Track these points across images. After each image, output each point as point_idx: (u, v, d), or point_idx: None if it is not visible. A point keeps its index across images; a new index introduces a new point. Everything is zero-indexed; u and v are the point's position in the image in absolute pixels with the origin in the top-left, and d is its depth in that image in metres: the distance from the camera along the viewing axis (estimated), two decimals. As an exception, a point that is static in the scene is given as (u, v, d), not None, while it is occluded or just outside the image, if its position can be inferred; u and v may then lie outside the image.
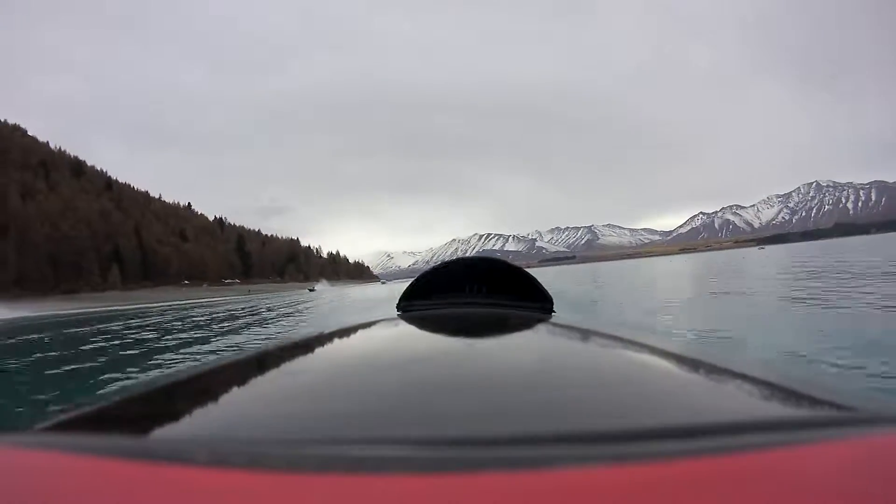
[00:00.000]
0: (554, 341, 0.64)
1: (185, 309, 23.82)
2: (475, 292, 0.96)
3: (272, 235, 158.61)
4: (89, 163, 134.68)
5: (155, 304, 46.04)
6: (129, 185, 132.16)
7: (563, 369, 0.46)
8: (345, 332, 0.78)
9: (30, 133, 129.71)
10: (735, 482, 0.18)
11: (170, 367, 5.17)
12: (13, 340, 11.66)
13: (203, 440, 0.29)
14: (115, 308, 41.65)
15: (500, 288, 0.96)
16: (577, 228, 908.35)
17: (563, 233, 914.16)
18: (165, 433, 0.33)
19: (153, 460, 0.22)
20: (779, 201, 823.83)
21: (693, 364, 0.48)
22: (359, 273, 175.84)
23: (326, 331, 0.78)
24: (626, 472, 0.19)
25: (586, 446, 0.23)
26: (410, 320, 0.84)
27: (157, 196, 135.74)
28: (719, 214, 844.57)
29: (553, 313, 0.90)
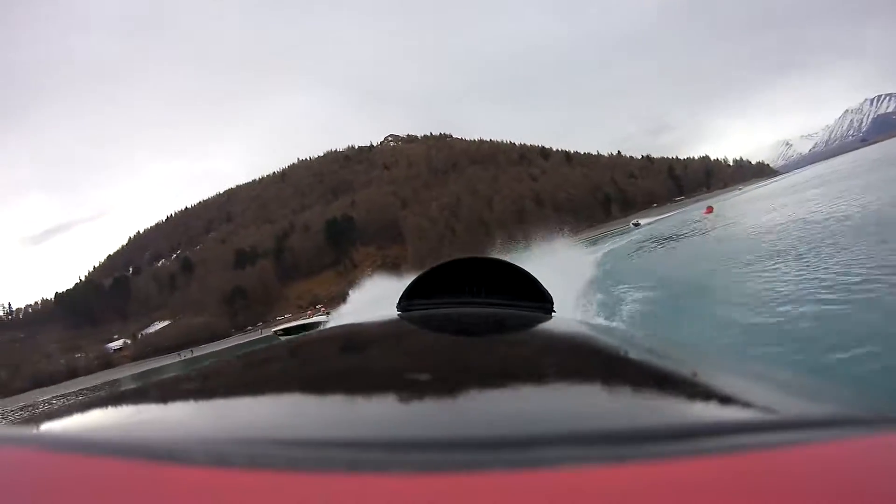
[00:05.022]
0: (553, 341, 0.64)
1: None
2: (475, 292, 0.96)
3: (688, 157, 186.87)
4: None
5: (672, 213, 59.38)
6: (578, 152, 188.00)
7: (561, 369, 0.46)
8: (344, 331, 0.78)
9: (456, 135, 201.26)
10: (734, 482, 0.18)
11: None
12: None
13: (201, 439, 0.29)
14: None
15: (500, 288, 0.96)
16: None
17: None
18: (164, 432, 0.32)
19: (151, 459, 0.21)
20: None
21: (692, 365, 0.48)
22: (761, 172, 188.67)
23: (326, 330, 0.77)
24: (624, 472, 0.19)
25: (585, 446, 0.23)
26: (410, 320, 0.83)
27: (593, 153, 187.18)
28: None
29: (553, 313, 0.89)
